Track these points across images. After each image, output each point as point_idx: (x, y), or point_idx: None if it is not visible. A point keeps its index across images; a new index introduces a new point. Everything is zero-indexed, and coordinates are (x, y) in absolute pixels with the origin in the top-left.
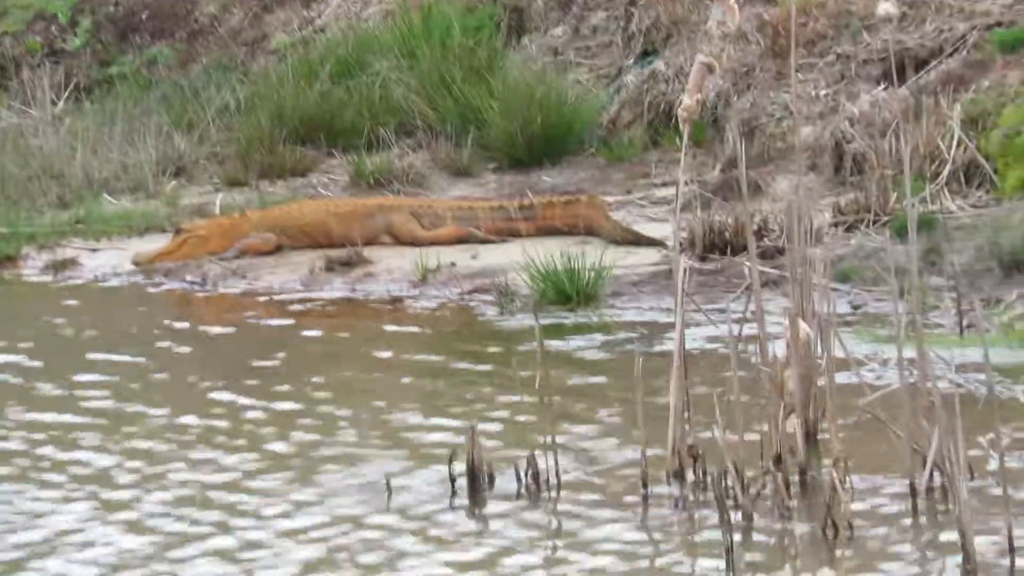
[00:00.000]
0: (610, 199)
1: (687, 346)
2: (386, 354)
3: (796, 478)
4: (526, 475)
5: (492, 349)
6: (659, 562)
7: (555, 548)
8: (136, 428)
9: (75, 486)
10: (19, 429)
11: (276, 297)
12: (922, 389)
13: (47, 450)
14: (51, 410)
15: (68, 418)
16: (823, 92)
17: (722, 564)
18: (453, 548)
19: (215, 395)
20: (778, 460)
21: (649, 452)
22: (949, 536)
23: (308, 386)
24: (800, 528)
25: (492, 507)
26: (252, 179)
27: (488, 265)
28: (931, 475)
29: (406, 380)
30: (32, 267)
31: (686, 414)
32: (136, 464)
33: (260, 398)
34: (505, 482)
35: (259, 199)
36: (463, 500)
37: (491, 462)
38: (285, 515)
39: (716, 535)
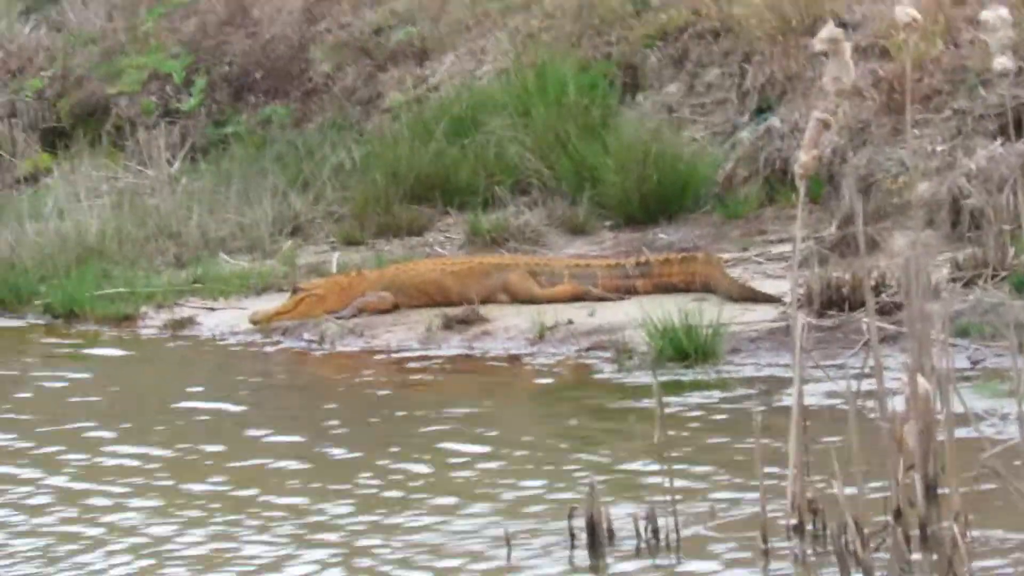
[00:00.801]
0: (726, 256)
1: (806, 402)
2: (504, 411)
3: (916, 532)
4: (646, 530)
5: (610, 406)
6: None
7: None
8: (267, 482)
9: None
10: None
11: (393, 355)
12: None
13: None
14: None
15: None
16: (939, 147)
17: None
18: None
19: (332, 452)
20: (898, 514)
21: (769, 507)
22: None
23: (425, 443)
24: None
25: (611, 563)
26: (368, 238)
27: (605, 322)
28: None
29: (524, 437)
30: (150, 326)
31: (806, 469)
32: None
33: (378, 455)
34: (624, 538)
35: (375, 258)
36: (583, 555)
37: (610, 518)
38: (402, 563)
39: None
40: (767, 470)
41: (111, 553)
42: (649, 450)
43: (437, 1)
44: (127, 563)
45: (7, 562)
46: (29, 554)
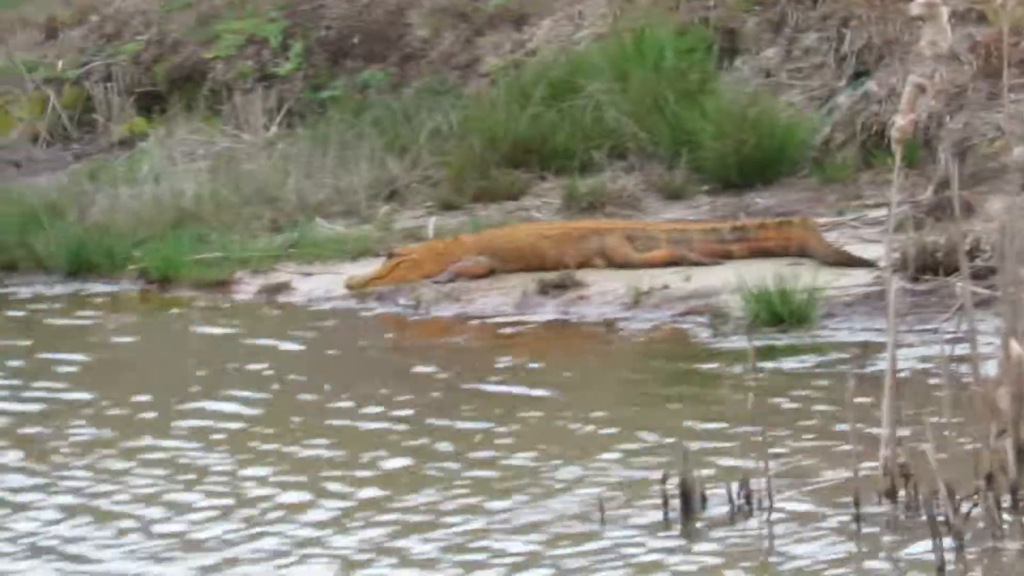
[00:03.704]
0: (823, 220)
1: (899, 366)
2: (600, 376)
3: (1008, 497)
4: (739, 496)
5: (705, 370)
6: None
7: (768, 568)
8: (360, 445)
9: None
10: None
11: (489, 320)
12: None
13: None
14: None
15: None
16: None
17: None
18: (667, 569)
19: (430, 419)
20: (990, 479)
21: (861, 472)
22: None
23: (522, 408)
24: (1012, 546)
25: (704, 527)
26: (465, 203)
27: (701, 287)
28: None
29: (619, 402)
30: (245, 291)
31: (898, 434)
32: (362, 485)
33: (473, 419)
34: (718, 503)
35: (472, 222)
36: (676, 521)
37: (704, 483)
38: (502, 537)
39: (929, 555)
40: (860, 435)
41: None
42: (743, 415)
43: None
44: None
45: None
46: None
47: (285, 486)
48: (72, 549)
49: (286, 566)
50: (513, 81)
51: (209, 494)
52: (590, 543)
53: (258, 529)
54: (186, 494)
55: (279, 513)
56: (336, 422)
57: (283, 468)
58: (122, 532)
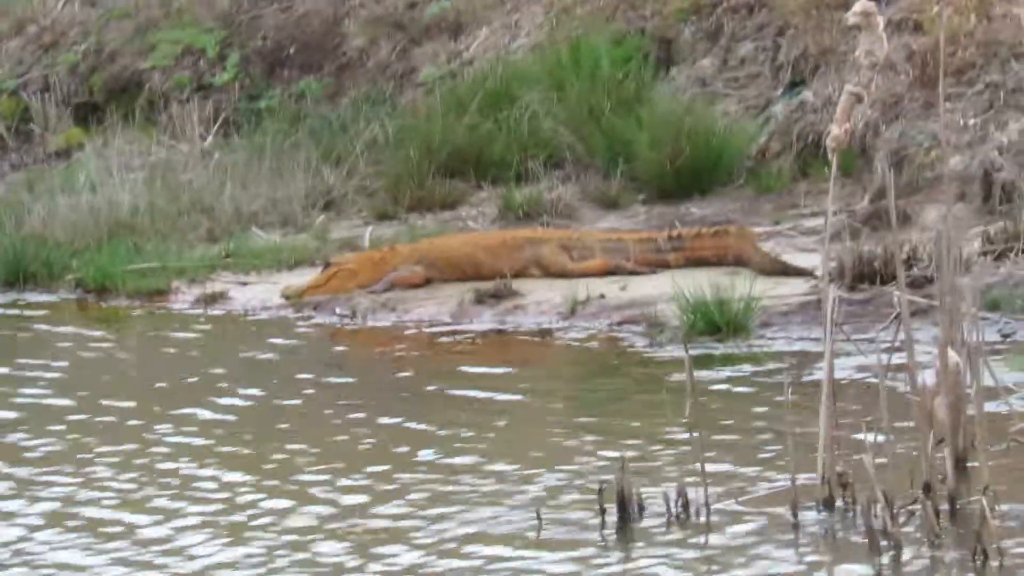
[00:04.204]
0: (759, 230)
1: (836, 375)
2: (535, 385)
3: (946, 507)
4: (676, 504)
5: (641, 380)
6: None
7: None
8: (286, 455)
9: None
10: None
11: (425, 330)
12: None
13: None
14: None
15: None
16: (972, 121)
17: None
18: None
19: (365, 424)
20: (927, 488)
21: (798, 481)
22: None
23: (457, 416)
24: (950, 556)
25: (641, 536)
26: (401, 212)
27: (637, 296)
28: None
29: (555, 410)
30: (182, 300)
31: (836, 443)
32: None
33: (408, 428)
34: (654, 512)
35: (408, 232)
36: (612, 530)
37: (640, 492)
38: (436, 541)
39: (866, 564)
40: (798, 444)
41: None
42: (680, 424)
43: None
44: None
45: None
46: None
47: (235, 489)
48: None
49: None
50: (449, 91)
51: (177, 499)
52: (526, 551)
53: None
54: (152, 496)
55: (262, 520)
56: (285, 426)
57: (236, 474)
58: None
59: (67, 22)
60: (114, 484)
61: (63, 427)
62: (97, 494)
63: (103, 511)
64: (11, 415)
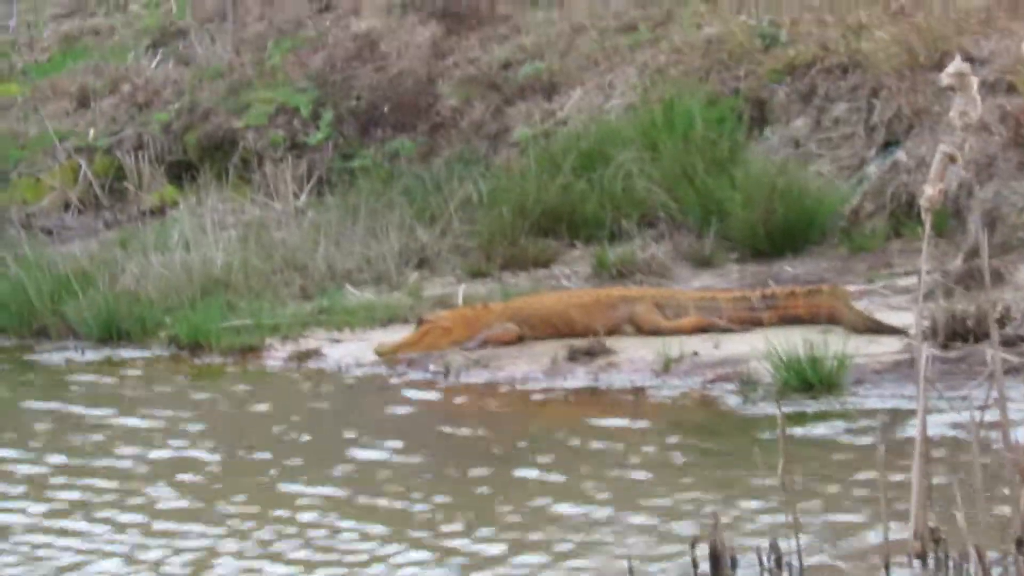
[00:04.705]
0: (852, 288)
1: (929, 432)
2: (630, 442)
3: None
4: (768, 559)
5: (735, 436)
6: None
7: None
8: (382, 512)
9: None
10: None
11: (519, 387)
12: None
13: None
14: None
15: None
16: None
17: None
18: None
19: (458, 481)
20: (1020, 544)
21: (892, 536)
22: None
23: (550, 473)
24: None
25: None
26: (494, 270)
27: (730, 354)
28: None
29: (650, 467)
30: (276, 357)
31: (928, 498)
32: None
33: (502, 485)
34: (748, 567)
35: (501, 290)
36: None
37: (734, 547)
38: None
39: None
40: (890, 500)
41: None
42: (774, 480)
43: (566, 36)
44: None
45: None
46: None
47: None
48: None
49: None
50: (543, 150)
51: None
52: None
53: None
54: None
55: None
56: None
57: (377, 527)
58: None
59: (160, 81)
60: (256, 535)
61: (201, 478)
62: (236, 545)
63: (243, 561)
64: (143, 469)
